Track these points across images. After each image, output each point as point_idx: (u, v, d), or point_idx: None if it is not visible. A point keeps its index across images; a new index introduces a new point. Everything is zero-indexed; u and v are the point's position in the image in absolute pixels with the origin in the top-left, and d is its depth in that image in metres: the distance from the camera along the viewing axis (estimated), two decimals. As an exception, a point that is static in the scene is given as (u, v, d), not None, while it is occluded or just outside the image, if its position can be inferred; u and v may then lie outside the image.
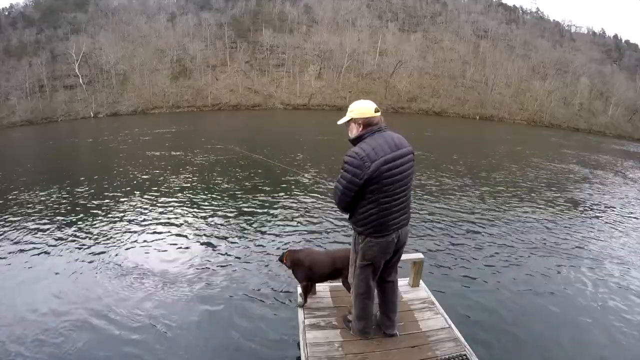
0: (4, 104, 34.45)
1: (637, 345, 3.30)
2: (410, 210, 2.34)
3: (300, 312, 2.84)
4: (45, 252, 5.03)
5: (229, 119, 28.61)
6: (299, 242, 5.27)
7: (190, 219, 6.27)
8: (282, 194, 7.72)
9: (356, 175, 2.06)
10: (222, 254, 4.91)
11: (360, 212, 2.18)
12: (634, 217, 7.27)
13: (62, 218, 6.40)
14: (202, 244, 5.26)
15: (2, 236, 5.61)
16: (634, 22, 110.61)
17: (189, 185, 8.50)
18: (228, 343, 3.20)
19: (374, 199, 2.12)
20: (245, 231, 5.71)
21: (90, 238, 5.47)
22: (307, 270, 2.80)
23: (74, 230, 5.80)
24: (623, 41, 57.06)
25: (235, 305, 3.74)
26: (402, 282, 3.10)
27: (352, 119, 2.19)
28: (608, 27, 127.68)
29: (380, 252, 2.26)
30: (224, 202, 7.23)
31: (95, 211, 6.72)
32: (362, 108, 2.18)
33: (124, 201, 7.32)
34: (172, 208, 6.85)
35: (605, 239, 5.96)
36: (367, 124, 2.17)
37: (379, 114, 2.19)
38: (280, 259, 2.99)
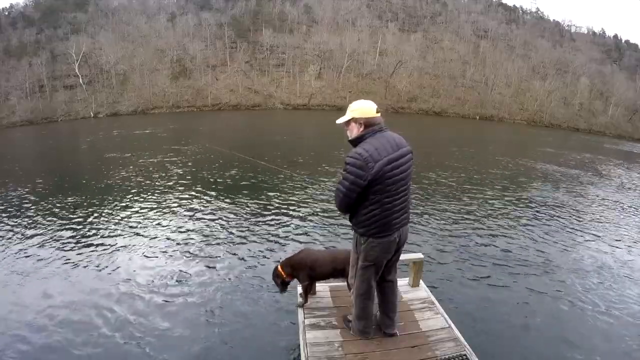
0: (4, 104, 34.36)
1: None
2: (410, 209, 2.34)
3: (300, 312, 2.84)
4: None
5: (229, 119, 28.57)
6: (294, 244, 5.18)
7: (181, 221, 6.23)
8: (278, 194, 7.70)
9: (359, 176, 2.04)
10: (218, 254, 4.91)
11: (362, 213, 2.17)
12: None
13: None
14: (195, 247, 5.22)
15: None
16: (634, 22, 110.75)
17: (178, 186, 8.49)
18: (228, 344, 3.20)
19: (377, 200, 2.11)
20: (241, 232, 5.69)
21: (67, 244, 5.39)
22: (309, 270, 2.81)
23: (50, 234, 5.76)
24: (623, 41, 57.03)
25: (234, 306, 3.74)
26: (402, 282, 3.10)
27: (353, 118, 2.17)
28: (608, 27, 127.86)
29: (382, 252, 2.26)
30: (215, 203, 7.21)
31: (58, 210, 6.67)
32: (364, 108, 2.17)
33: (98, 205, 7.19)
34: (155, 212, 6.75)
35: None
36: (369, 124, 2.15)
37: (379, 114, 2.18)
38: (275, 275, 2.91)
